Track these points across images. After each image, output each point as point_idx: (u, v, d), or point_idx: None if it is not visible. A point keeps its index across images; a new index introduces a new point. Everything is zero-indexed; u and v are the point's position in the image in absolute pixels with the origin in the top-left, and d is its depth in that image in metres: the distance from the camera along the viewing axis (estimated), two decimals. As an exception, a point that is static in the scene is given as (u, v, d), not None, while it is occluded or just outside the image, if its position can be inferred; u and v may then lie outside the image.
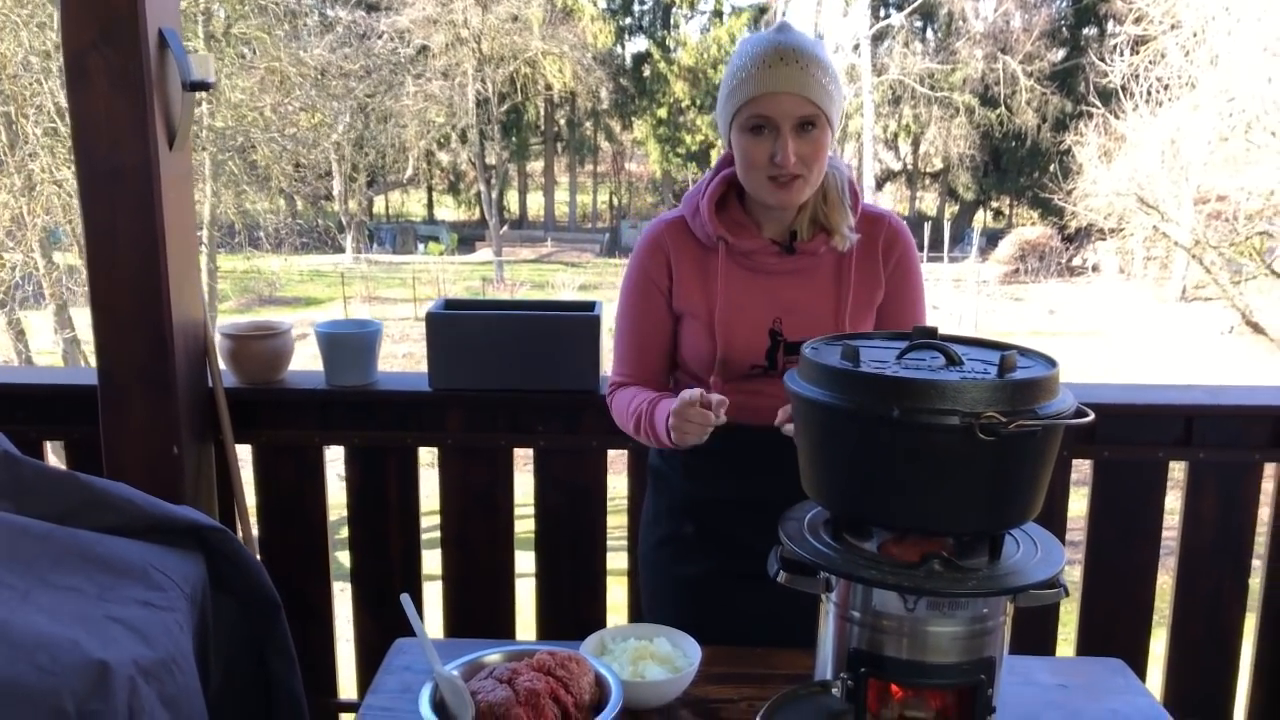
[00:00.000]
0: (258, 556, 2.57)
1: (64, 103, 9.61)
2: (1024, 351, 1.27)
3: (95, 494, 1.78)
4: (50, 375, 2.77)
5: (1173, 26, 13.88)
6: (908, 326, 1.67)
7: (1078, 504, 2.60)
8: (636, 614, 2.42)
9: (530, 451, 2.54)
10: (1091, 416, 1.17)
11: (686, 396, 1.60)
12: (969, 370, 1.20)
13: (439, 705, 1.34)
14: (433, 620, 2.63)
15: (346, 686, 2.74)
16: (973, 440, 1.10)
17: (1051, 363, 1.24)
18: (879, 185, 29.41)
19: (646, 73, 30.77)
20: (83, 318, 11.44)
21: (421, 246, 30.01)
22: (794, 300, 1.77)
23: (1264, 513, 2.49)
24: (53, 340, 12.10)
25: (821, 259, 1.78)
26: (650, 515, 1.97)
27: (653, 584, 1.97)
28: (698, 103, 28.78)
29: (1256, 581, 2.53)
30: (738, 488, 1.81)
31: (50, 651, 1.41)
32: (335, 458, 2.65)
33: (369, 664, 2.60)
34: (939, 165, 31.10)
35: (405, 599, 1.43)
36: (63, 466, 2.51)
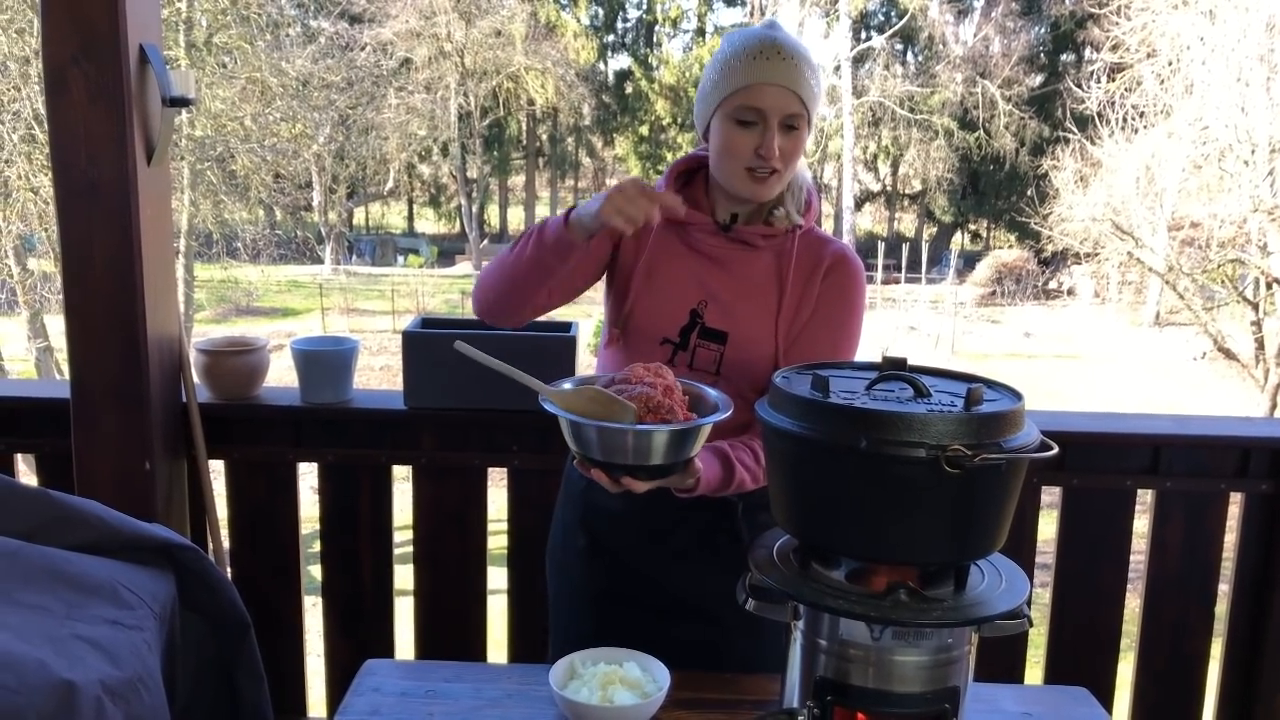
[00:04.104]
0: (228, 571, 2.56)
1: (41, 109, 9.56)
2: (991, 384, 1.28)
3: (65, 511, 1.77)
4: (22, 388, 2.75)
5: (1149, 55, 14.04)
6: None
7: (1049, 527, 2.62)
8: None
9: (504, 471, 2.54)
10: (1055, 450, 1.18)
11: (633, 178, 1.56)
12: (936, 403, 1.21)
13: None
14: (404, 637, 2.63)
15: (315, 704, 2.73)
16: (938, 472, 1.12)
17: (1017, 396, 1.26)
18: (858, 206, 29.59)
19: (628, 90, 30.87)
20: (57, 325, 11.34)
21: (401, 259, 29.93)
22: (721, 290, 1.74)
23: (1229, 540, 2.53)
24: (25, 348, 11.99)
25: (757, 256, 1.75)
26: (555, 522, 1.93)
27: (552, 588, 1.93)
28: (679, 121, 28.87)
29: (1222, 608, 2.56)
30: (630, 498, 1.60)
31: (16, 671, 1.40)
32: (308, 471, 2.64)
33: (338, 681, 2.59)
34: (917, 187, 31.33)
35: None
36: (33, 480, 2.49)
